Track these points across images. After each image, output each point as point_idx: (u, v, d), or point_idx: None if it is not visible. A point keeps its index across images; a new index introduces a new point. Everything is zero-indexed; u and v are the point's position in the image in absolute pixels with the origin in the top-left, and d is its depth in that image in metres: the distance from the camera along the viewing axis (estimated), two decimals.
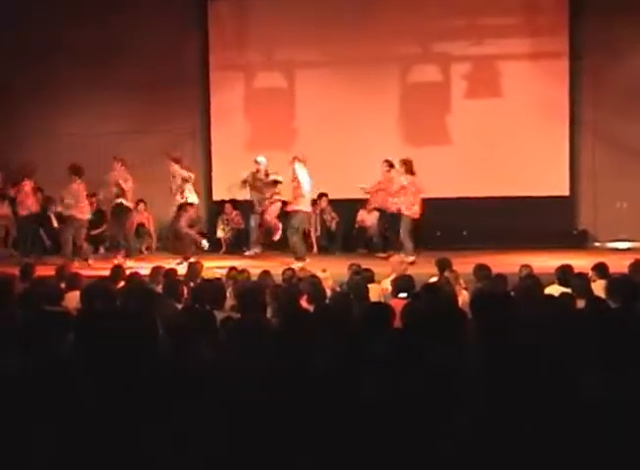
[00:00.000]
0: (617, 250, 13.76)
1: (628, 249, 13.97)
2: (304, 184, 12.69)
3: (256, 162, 13.81)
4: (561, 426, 3.90)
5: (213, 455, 3.86)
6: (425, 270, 9.98)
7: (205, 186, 15.51)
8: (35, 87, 15.55)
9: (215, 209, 15.56)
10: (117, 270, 9.45)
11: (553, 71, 15.33)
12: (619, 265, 9.68)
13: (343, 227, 14.94)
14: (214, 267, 11.21)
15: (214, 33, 16.00)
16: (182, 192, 12.92)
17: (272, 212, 13.64)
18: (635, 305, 6.78)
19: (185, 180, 12.87)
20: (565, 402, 4.09)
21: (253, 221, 14.34)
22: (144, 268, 10.55)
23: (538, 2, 15.35)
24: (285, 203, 13.38)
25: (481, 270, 8.76)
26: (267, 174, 13.74)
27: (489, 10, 15.33)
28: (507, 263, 10.90)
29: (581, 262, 10.38)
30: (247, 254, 14.19)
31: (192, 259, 11.51)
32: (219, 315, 6.15)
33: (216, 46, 16.02)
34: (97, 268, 12.15)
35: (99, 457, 3.83)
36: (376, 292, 8.15)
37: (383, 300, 7.66)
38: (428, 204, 13.26)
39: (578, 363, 4.73)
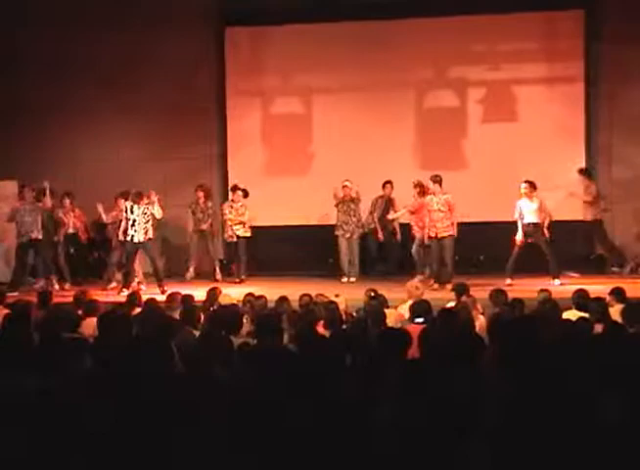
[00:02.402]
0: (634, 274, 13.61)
1: None
2: None
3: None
4: (581, 450, 3.88)
5: None
6: (442, 295, 9.96)
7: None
8: (64, 114, 15.58)
9: None
10: (134, 297, 9.45)
11: (569, 96, 15.33)
12: (637, 289, 9.66)
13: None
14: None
15: (231, 59, 16.06)
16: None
17: None
18: None
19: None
20: (584, 427, 4.07)
21: None
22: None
23: (554, 28, 15.32)
24: None
25: (499, 295, 8.77)
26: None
27: (506, 35, 15.33)
28: (524, 289, 10.88)
29: (599, 287, 10.33)
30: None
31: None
32: (236, 341, 6.16)
33: (233, 72, 16.06)
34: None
35: None
36: (393, 317, 8.13)
37: (400, 325, 7.61)
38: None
39: (597, 388, 4.71)
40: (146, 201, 13.22)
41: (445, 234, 13.07)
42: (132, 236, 13.17)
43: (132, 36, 15.24)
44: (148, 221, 13.28)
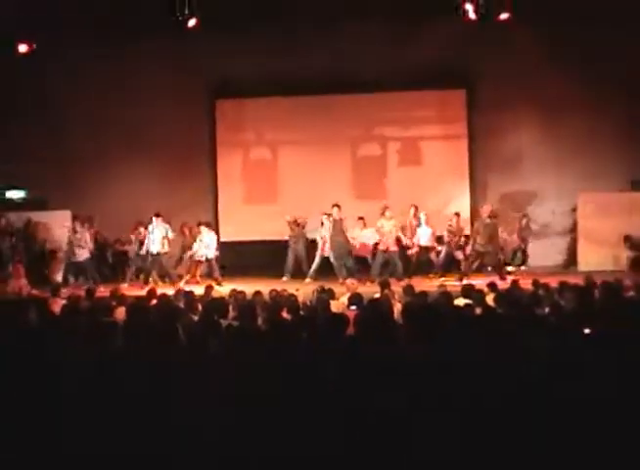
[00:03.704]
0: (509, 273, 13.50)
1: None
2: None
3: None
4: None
5: (222, 422, 3.84)
6: (371, 289, 9.92)
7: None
8: (101, 162, 15.47)
9: (222, 247, 15.13)
10: (151, 292, 9.37)
11: (457, 148, 15.49)
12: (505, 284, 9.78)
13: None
14: None
15: (220, 121, 15.96)
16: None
17: None
18: (514, 310, 6.79)
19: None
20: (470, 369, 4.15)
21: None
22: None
23: (446, 101, 15.48)
24: None
25: (409, 288, 8.76)
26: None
27: (413, 106, 15.52)
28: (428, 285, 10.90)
29: (479, 281, 10.44)
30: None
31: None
32: (224, 323, 6.15)
33: (221, 129, 15.97)
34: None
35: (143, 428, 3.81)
36: (336, 305, 8.09)
37: (340, 311, 7.58)
38: None
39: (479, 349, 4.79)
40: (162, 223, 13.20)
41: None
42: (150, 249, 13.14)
43: (146, 107, 15.16)
44: (163, 237, 13.22)
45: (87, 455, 3.62)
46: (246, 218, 15.09)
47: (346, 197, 15.20)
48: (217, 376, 4.34)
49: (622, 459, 3.50)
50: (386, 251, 13.09)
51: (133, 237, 13.86)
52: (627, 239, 13.61)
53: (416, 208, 13.94)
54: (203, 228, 13.67)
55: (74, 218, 13.93)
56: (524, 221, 14.65)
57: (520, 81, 14.78)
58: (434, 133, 15.62)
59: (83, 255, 13.40)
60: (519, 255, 14.54)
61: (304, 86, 15.16)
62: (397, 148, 15.71)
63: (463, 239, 13.79)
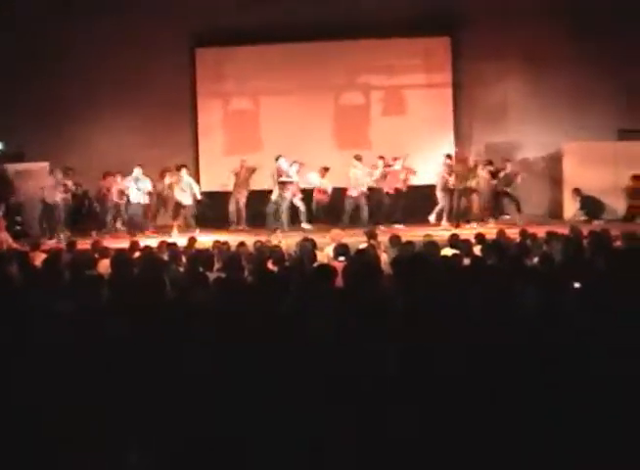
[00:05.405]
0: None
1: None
2: None
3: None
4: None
5: (207, 373, 3.80)
6: (356, 239, 9.84)
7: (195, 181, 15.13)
8: (86, 109, 15.24)
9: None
10: (134, 243, 9.27)
11: (441, 97, 15.36)
12: (491, 233, 9.77)
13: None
14: None
15: (200, 71, 15.73)
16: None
17: None
18: (503, 261, 6.78)
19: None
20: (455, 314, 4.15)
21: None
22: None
23: (431, 49, 15.32)
24: None
25: (395, 239, 8.74)
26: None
27: (398, 54, 15.27)
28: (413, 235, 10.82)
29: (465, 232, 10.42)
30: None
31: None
32: (211, 276, 6.09)
33: (202, 80, 15.74)
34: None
35: (130, 377, 3.76)
36: (321, 256, 8.06)
37: (327, 262, 7.54)
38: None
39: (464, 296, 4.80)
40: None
41: None
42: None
43: (136, 56, 15.00)
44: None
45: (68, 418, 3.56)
46: (226, 169, 14.89)
47: (329, 147, 15.10)
48: (206, 329, 4.30)
49: (613, 411, 3.50)
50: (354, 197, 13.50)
51: (114, 187, 13.69)
52: (576, 192, 13.99)
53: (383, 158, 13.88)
54: (183, 171, 13.63)
55: (52, 170, 13.73)
56: (508, 167, 14.39)
57: (506, 30, 14.63)
58: (418, 82, 15.45)
59: (57, 196, 13.24)
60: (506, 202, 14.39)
61: (286, 34, 14.87)
62: (381, 97, 15.55)
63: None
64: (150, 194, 13.68)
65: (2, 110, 14.61)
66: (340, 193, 13.85)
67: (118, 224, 13.95)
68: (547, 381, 3.56)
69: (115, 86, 15.04)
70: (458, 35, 15.12)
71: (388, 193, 13.69)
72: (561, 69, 14.66)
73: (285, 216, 13.50)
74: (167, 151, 14.78)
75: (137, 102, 15.26)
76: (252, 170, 14.07)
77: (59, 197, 13.21)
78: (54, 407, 3.55)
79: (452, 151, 14.59)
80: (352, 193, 13.53)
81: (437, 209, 13.79)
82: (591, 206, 13.85)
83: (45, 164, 14.19)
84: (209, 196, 14.52)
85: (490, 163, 14.11)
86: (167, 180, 13.70)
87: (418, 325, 4.17)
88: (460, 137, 15.37)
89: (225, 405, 3.54)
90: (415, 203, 13.86)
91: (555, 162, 14.90)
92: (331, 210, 13.89)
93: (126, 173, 13.62)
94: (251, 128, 15.71)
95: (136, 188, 13.37)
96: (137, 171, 13.44)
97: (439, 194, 13.73)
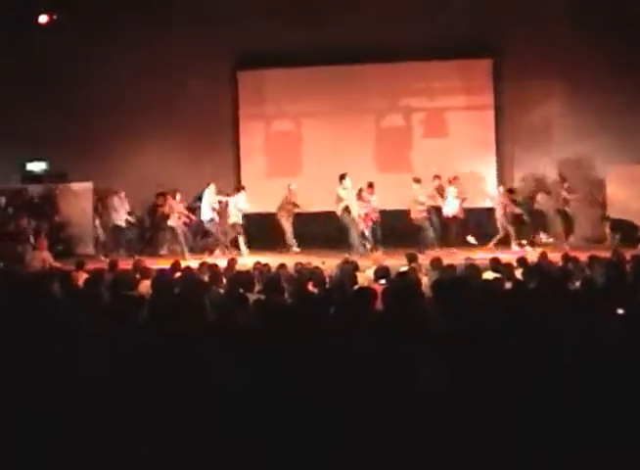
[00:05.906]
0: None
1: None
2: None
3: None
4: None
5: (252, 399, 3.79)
6: (398, 262, 9.77)
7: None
8: (120, 131, 15.45)
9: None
10: (175, 264, 9.33)
11: (483, 119, 15.33)
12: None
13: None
14: None
15: (242, 94, 15.90)
16: None
17: None
18: (545, 285, 6.69)
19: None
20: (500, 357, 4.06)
21: None
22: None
23: (472, 71, 15.35)
24: None
25: (436, 262, 8.70)
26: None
27: (439, 76, 15.33)
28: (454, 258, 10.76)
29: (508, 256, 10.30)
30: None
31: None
32: (251, 297, 6.09)
33: (244, 103, 15.91)
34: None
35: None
36: (362, 278, 8.03)
37: (367, 284, 7.52)
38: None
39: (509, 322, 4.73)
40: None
41: None
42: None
43: (179, 80, 15.25)
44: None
45: (109, 433, 3.57)
46: (267, 192, 14.96)
47: (370, 169, 15.09)
48: (245, 350, 4.29)
49: None
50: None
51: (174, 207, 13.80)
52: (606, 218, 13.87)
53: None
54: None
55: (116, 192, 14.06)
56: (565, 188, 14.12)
57: (548, 51, 14.54)
58: (459, 104, 15.44)
59: (121, 218, 13.74)
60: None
61: (327, 57, 14.98)
62: (422, 119, 15.55)
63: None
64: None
65: (48, 132, 14.89)
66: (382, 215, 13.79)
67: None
68: (591, 406, 3.49)
69: (159, 110, 15.24)
70: (499, 57, 15.10)
71: (447, 218, 13.63)
72: (603, 88, 14.47)
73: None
74: (209, 173, 14.91)
75: (179, 125, 15.43)
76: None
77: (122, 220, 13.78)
78: (96, 425, 3.57)
79: (493, 174, 14.51)
80: (448, 212, 13.57)
81: (498, 237, 13.78)
82: (624, 229, 13.57)
83: (89, 185, 14.43)
84: (252, 218, 14.61)
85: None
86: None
87: (459, 348, 4.12)
88: (502, 159, 15.29)
89: (264, 425, 3.52)
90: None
91: (599, 185, 14.68)
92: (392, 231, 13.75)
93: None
94: (292, 151, 15.80)
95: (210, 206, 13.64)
96: (213, 188, 13.80)
97: (501, 221, 13.72)
